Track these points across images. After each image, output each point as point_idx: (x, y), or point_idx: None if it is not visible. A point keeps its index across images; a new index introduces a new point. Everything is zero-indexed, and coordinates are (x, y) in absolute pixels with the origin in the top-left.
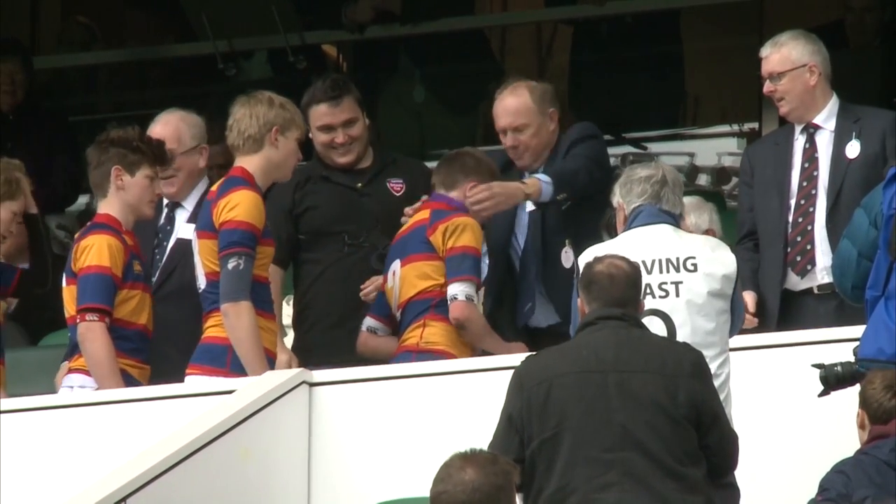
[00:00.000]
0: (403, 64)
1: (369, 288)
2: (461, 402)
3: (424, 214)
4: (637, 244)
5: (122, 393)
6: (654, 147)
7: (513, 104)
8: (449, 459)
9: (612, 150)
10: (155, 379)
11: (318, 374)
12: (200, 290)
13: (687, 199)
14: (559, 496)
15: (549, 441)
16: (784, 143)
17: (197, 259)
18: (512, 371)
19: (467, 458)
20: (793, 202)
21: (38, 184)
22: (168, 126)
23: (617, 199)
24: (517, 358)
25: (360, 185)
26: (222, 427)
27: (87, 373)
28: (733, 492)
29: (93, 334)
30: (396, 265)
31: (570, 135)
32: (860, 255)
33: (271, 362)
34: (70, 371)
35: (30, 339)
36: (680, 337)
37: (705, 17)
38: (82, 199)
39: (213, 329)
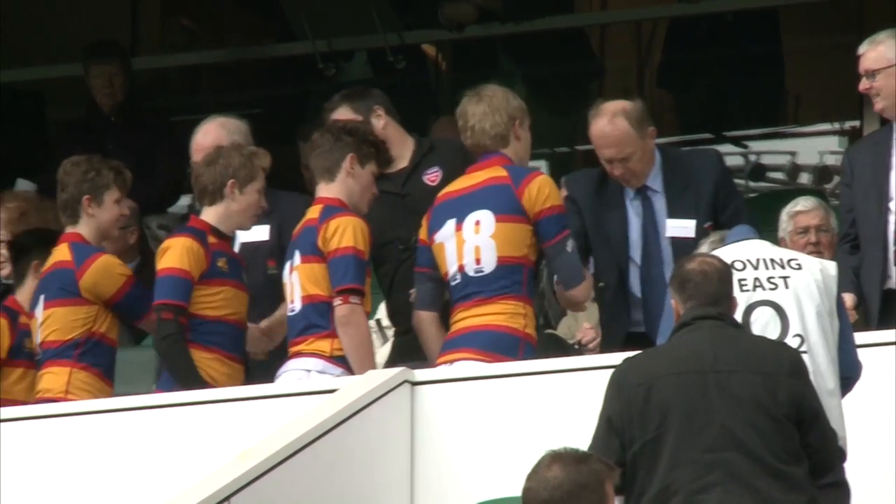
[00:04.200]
0: (503, 63)
1: None
2: (562, 400)
3: None
4: (740, 248)
5: (229, 392)
6: (754, 146)
7: (613, 135)
8: (541, 457)
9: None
10: (250, 378)
11: (420, 374)
12: (474, 275)
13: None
14: (661, 498)
15: (651, 443)
16: (883, 143)
17: (485, 242)
18: (611, 370)
19: (556, 456)
20: (892, 205)
21: (139, 184)
22: (209, 136)
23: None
24: (618, 357)
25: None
26: (325, 426)
27: (327, 358)
28: (843, 490)
29: (357, 317)
30: None
31: (702, 167)
32: None
33: None
34: (302, 354)
35: (133, 339)
36: (791, 327)
37: (805, 15)
38: (184, 200)
39: (499, 317)
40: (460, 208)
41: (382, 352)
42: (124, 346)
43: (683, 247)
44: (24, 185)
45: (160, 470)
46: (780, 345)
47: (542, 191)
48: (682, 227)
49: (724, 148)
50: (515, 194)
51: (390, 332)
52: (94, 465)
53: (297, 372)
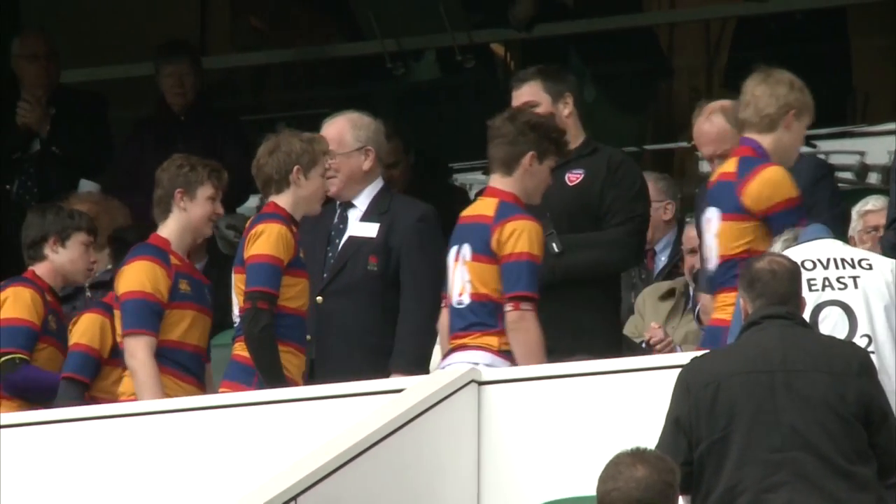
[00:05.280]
0: (572, 62)
1: None
2: (629, 400)
3: None
4: (812, 248)
5: (294, 392)
6: (822, 145)
7: (710, 132)
8: (616, 457)
9: None
10: (326, 376)
11: (487, 373)
12: (709, 271)
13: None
14: (728, 497)
15: (718, 442)
16: None
17: (711, 242)
18: (678, 370)
19: (637, 456)
20: None
21: None
22: (332, 128)
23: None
24: (685, 357)
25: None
26: (391, 426)
27: (495, 352)
28: None
29: (527, 323)
30: None
31: (801, 173)
32: None
33: None
34: (468, 347)
35: None
36: (859, 327)
37: (873, 14)
38: (253, 200)
39: (714, 311)
40: (703, 203)
41: None
42: None
43: None
44: (87, 185)
45: (227, 470)
46: (849, 345)
47: (764, 189)
48: None
49: None
50: (736, 192)
51: None
52: (163, 465)
53: (465, 365)
